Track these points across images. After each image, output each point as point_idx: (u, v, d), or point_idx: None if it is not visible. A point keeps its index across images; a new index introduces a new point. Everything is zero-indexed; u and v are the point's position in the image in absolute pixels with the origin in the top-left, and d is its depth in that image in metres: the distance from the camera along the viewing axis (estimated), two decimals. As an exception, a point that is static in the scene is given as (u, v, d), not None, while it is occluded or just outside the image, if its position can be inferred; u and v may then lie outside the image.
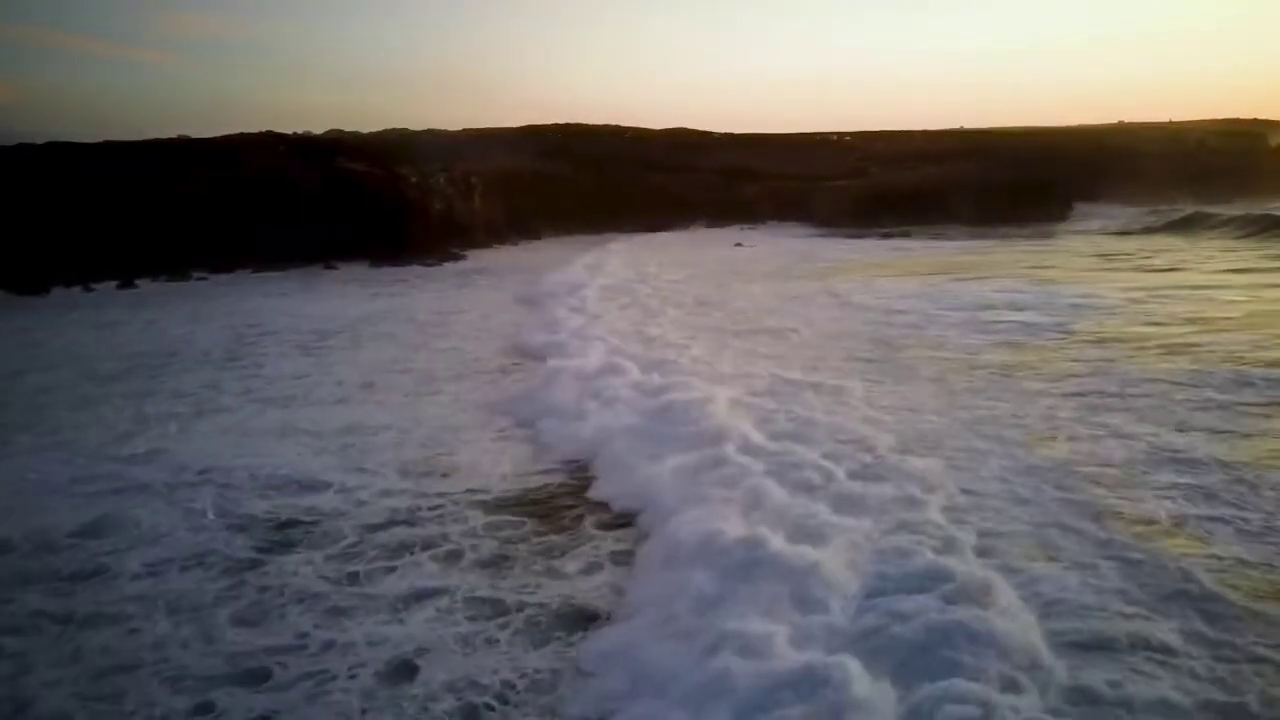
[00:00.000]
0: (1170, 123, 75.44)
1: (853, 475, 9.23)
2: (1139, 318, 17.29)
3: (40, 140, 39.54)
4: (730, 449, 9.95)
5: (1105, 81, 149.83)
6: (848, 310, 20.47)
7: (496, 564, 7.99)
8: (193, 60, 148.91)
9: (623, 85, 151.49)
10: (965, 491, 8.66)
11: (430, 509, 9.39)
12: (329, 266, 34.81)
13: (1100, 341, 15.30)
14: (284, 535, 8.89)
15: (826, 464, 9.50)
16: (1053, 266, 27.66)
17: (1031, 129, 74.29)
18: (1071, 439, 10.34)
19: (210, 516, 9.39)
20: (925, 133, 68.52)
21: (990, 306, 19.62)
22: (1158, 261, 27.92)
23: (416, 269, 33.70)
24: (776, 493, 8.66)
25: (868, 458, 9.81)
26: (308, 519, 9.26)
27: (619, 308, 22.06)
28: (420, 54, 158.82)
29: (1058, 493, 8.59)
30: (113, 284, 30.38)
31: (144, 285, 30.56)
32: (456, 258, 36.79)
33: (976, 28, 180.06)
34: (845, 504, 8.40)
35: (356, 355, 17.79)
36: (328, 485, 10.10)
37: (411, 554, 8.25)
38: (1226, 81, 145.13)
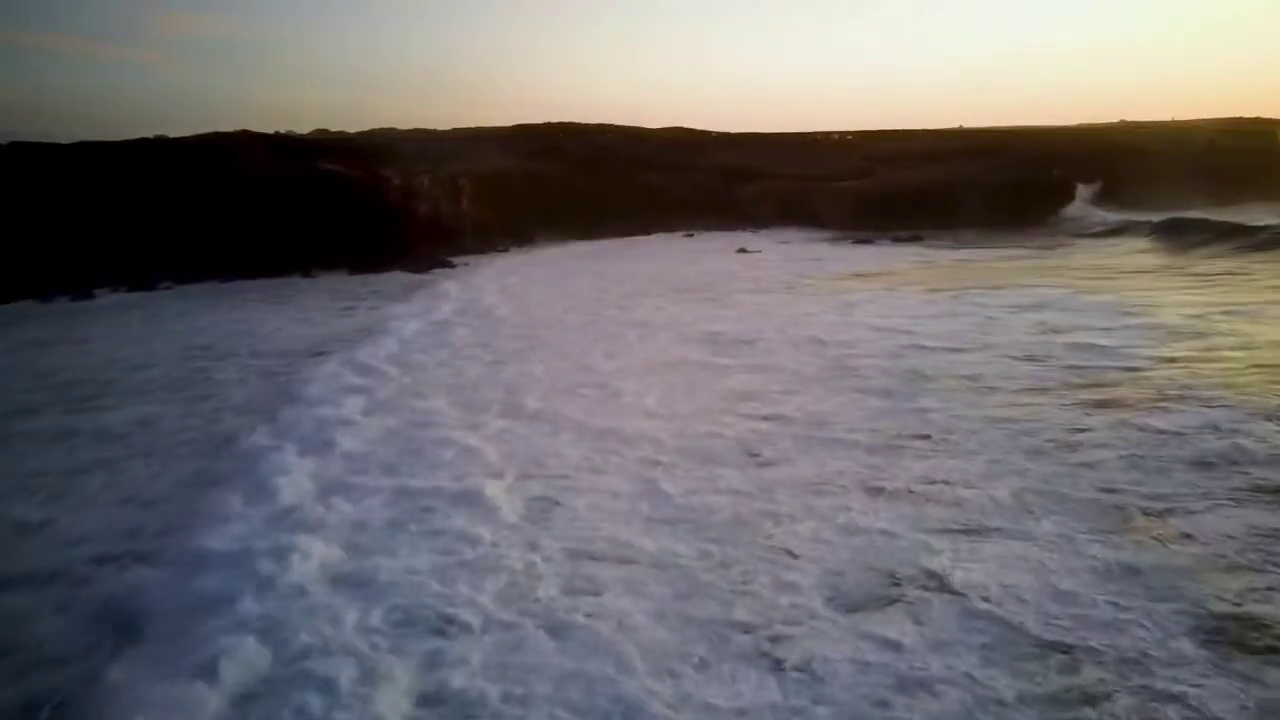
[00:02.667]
0: (1173, 122, 73.70)
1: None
2: (1220, 341, 15.10)
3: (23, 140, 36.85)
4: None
5: (1104, 81, 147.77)
6: (870, 330, 18.30)
7: None
8: (185, 60, 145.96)
9: (617, 83, 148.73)
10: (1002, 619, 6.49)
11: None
12: (307, 274, 32.51)
13: (1186, 370, 13.13)
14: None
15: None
16: (1089, 275, 25.52)
17: (1034, 128, 72.33)
18: (1187, 514, 8.22)
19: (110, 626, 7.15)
20: (928, 131, 66.35)
21: (1036, 326, 17.43)
22: (1200, 269, 25.84)
23: (400, 277, 31.39)
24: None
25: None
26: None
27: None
28: (412, 52, 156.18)
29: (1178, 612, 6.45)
30: (70, 295, 28.02)
31: (102, 296, 28.20)
32: (443, 265, 34.43)
33: (973, 28, 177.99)
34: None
35: (321, 383, 15.51)
36: (270, 578, 7.66)
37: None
38: (1226, 81, 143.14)
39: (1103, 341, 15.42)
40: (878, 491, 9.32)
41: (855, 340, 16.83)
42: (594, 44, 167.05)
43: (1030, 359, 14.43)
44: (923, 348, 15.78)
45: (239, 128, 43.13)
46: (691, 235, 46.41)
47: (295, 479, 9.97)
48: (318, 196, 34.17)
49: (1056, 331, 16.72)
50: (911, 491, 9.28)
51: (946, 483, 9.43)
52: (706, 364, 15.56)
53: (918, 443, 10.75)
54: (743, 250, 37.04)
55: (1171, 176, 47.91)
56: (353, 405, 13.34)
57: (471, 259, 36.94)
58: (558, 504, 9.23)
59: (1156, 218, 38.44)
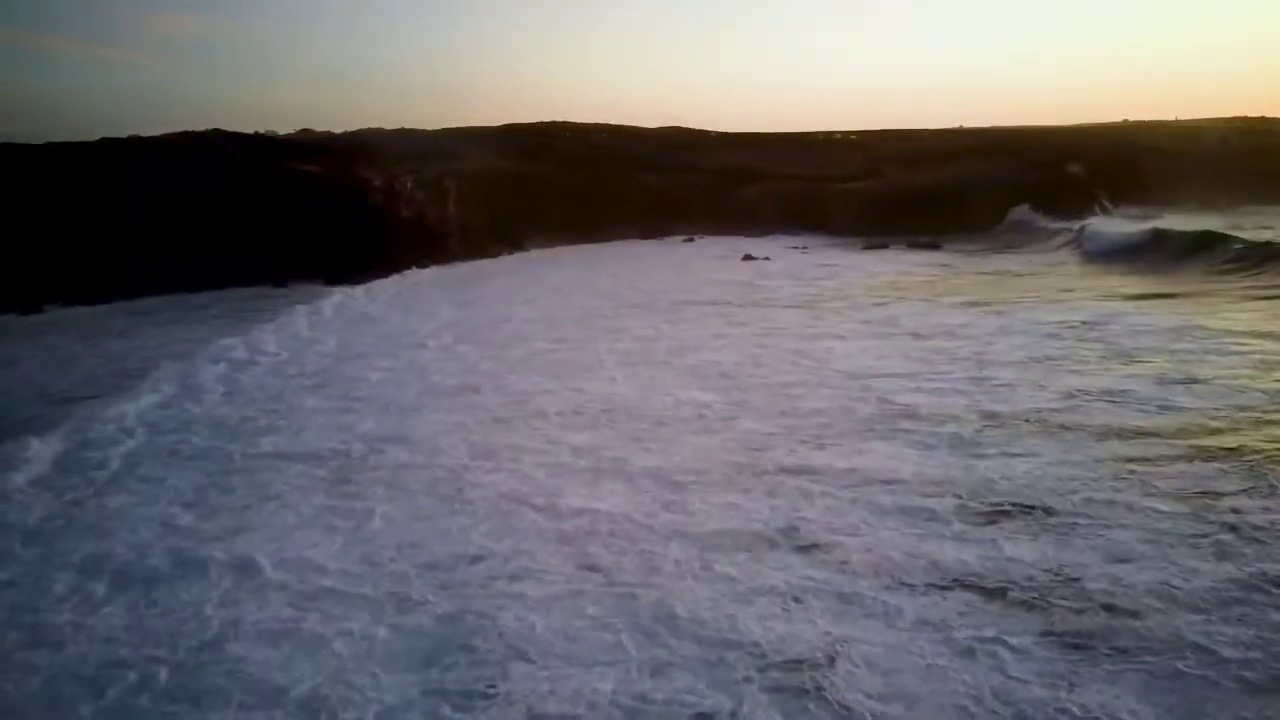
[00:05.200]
0: (1177, 121, 71.88)
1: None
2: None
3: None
4: None
5: (1104, 81, 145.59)
6: (915, 358, 16.03)
7: None
8: (178, 61, 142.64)
9: (611, 80, 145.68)
10: None
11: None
12: (280, 285, 30.07)
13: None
14: None
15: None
16: (1139, 289, 22.98)
17: (1037, 128, 70.32)
18: None
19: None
20: (934, 131, 64.25)
21: (1106, 352, 15.09)
22: (1252, 282, 23.51)
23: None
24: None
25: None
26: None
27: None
28: (401, 50, 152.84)
29: None
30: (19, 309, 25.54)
31: (51, 311, 25.67)
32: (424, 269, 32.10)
33: (971, 29, 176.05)
34: None
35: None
36: None
37: None
38: (1227, 81, 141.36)
39: (1191, 371, 13.16)
40: (976, 591, 7.06)
41: (899, 372, 14.51)
42: (587, 40, 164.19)
43: (1118, 396, 12.13)
44: (981, 379, 13.50)
45: (230, 126, 41.04)
46: (691, 240, 44.10)
47: None
48: (293, 200, 31.77)
49: (1130, 358, 14.43)
50: (1021, 592, 7.02)
51: (1061, 573, 7.18)
52: (719, 413, 13.30)
53: (1011, 514, 8.49)
54: (749, 257, 34.64)
55: (1196, 176, 45.95)
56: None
57: (460, 267, 34.61)
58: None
59: (1189, 226, 36.16)
